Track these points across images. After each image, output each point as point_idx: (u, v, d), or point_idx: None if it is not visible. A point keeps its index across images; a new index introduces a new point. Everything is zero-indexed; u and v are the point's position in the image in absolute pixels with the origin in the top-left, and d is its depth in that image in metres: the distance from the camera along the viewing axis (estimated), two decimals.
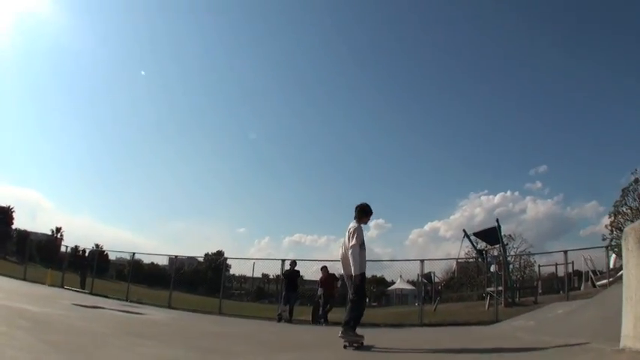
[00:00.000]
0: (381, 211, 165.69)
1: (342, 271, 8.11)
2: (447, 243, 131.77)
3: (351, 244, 7.60)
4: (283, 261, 18.45)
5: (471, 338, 9.01)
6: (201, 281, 51.07)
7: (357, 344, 7.02)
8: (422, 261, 17.79)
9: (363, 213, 8.10)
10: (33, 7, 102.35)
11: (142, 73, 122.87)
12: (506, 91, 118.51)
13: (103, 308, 13.18)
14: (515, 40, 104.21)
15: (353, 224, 7.89)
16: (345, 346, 6.97)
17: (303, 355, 6.42)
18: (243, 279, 76.18)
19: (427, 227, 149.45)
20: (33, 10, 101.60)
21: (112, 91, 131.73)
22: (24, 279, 22.34)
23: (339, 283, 17.01)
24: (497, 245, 23.90)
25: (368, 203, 8.15)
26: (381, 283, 54.88)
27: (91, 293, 21.94)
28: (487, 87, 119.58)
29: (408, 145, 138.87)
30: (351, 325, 7.12)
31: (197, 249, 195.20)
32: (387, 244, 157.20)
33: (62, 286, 23.29)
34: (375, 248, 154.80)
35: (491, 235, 24.22)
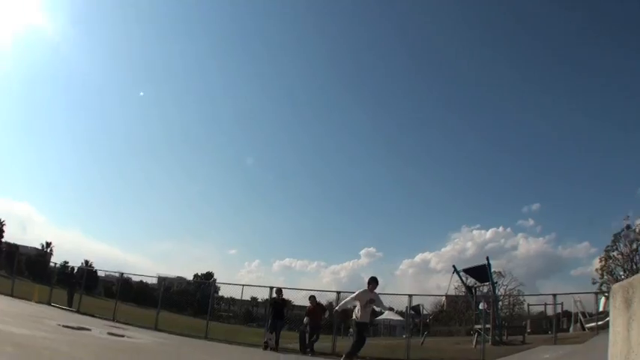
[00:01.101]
0: (373, 239, 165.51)
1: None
2: (437, 275, 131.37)
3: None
4: (271, 288, 18.41)
5: None
6: (189, 302, 50.58)
7: None
8: (410, 296, 17.99)
9: (370, 281, 11.09)
10: (28, 21, 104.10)
11: (141, 94, 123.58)
12: (503, 130, 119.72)
13: (89, 330, 13.07)
14: (513, 82, 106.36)
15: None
16: None
17: None
18: (232, 301, 75.79)
19: (418, 258, 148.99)
20: (29, 24, 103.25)
21: (106, 109, 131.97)
22: (11, 294, 22.07)
23: (327, 314, 16.94)
24: (487, 283, 24.13)
25: (375, 276, 11.22)
26: (370, 313, 53.84)
27: (78, 311, 21.65)
28: (484, 124, 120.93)
29: (402, 176, 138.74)
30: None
31: (186, 269, 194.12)
32: (378, 273, 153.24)
33: (49, 303, 23.06)
34: (365, 277, 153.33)
35: (481, 272, 24.36)
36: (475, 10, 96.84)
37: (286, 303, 17.55)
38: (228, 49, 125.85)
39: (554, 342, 16.31)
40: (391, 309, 36.80)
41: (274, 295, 17.80)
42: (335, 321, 18.90)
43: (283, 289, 18.16)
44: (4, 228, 79.39)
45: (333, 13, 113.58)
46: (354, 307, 11.09)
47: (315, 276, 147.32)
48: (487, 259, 24.75)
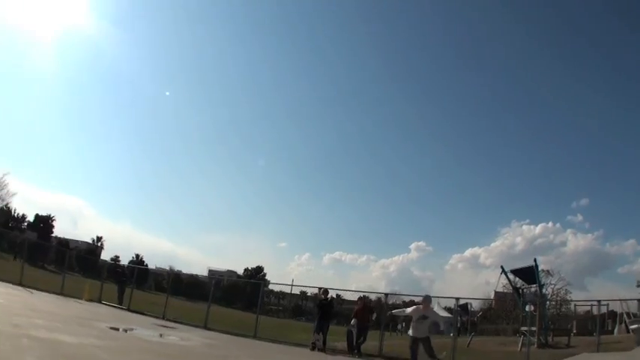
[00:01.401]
0: (423, 234, 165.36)
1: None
2: (486, 270, 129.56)
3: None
4: (320, 289, 18.38)
5: None
6: (239, 296, 51.35)
7: None
8: (457, 299, 18.59)
9: (422, 300, 12.30)
10: (76, 22, 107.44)
11: (167, 93, 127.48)
12: (554, 126, 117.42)
13: (137, 332, 13.27)
14: (564, 79, 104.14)
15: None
16: None
17: None
18: (281, 295, 76.92)
19: (467, 253, 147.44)
20: (76, 24, 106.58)
21: (155, 103, 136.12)
22: (61, 293, 22.54)
23: (374, 316, 17.46)
24: (535, 285, 23.88)
25: (429, 295, 12.63)
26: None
27: (128, 309, 22.16)
28: (536, 121, 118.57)
29: (452, 171, 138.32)
30: None
31: (237, 262, 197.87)
32: (427, 268, 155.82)
33: (100, 301, 23.65)
34: (415, 271, 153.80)
35: (528, 273, 24.12)
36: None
37: (332, 303, 17.44)
38: (272, 41, 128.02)
39: (597, 348, 16.05)
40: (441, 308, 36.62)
41: (321, 295, 17.81)
42: (382, 320, 18.84)
43: (330, 289, 18.19)
44: (55, 223, 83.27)
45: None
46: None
47: (364, 270, 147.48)
48: (535, 260, 24.44)
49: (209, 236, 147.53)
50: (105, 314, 17.45)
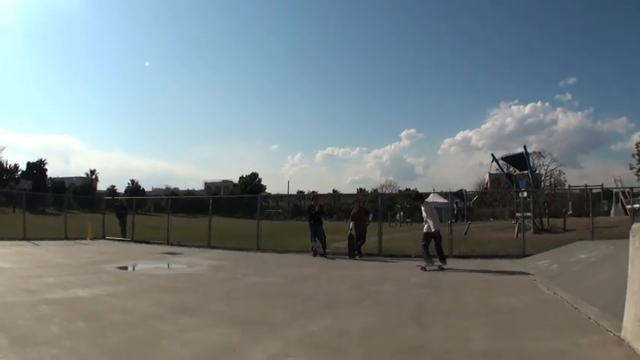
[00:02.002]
0: (412, 121, 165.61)
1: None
2: (479, 152, 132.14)
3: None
4: (310, 196, 18.84)
5: (489, 285, 9.97)
6: (238, 205, 52.32)
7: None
8: (452, 194, 19.10)
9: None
10: None
11: (146, 64, 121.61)
12: (537, 4, 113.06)
13: (145, 265, 14.14)
14: None
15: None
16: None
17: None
18: (279, 197, 78.50)
19: (459, 136, 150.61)
20: None
21: (123, 25, 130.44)
22: (65, 237, 23.18)
23: (371, 217, 18.05)
24: (526, 171, 24.52)
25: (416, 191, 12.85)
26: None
27: (132, 240, 23.06)
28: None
29: (434, 56, 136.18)
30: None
31: (231, 171, 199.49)
32: (420, 154, 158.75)
33: (104, 236, 24.45)
34: (408, 158, 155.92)
35: (519, 160, 24.83)
36: None
37: (322, 210, 17.82)
38: None
39: (591, 235, 16.56)
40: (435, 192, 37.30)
41: (310, 202, 18.46)
42: (379, 218, 19.50)
43: (321, 195, 18.71)
44: (47, 167, 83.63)
45: None
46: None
47: (358, 162, 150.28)
48: (524, 147, 25.22)
49: (200, 150, 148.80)
50: (111, 252, 18.03)
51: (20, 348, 4.94)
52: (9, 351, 4.85)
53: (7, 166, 77.43)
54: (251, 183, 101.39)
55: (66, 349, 4.96)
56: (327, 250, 17.15)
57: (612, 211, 28.95)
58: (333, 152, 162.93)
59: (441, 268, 12.42)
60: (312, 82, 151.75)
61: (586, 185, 29.72)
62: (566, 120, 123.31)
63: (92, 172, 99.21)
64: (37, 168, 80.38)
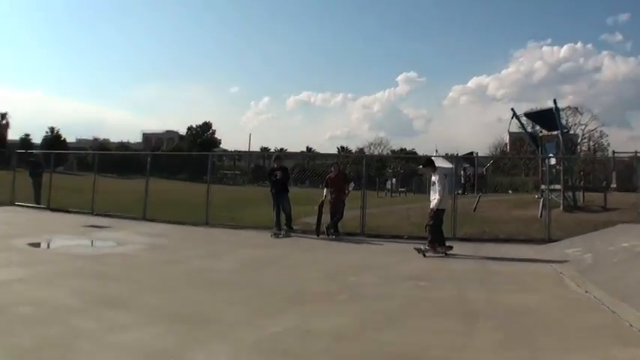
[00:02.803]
0: (412, 63, 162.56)
1: None
2: (497, 104, 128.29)
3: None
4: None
5: (501, 278, 9.94)
6: (184, 164, 51.74)
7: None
8: (459, 157, 18.27)
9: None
10: None
11: None
12: None
13: (63, 241, 13.96)
14: None
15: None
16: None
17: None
18: (237, 156, 78.17)
19: (471, 83, 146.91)
20: None
21: None
22: None
23: (352, 186, 17.15)
24: (556, 132, 23.49)
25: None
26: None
27: (48, 207, 22.55)
28: None
29: None
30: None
31: (178, 120, 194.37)
32: (420, 104, 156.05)
33: (13, 203, 23.91)
34: (405, 109, 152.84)
35: (547, 118, 23.88)
36: None
37: (288, 173, 17.60)
38: None
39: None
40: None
41: (273, 164, 17.81)
42: (363, 185, 18.87)
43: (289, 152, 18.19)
44: None
45: None
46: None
47: (340, 112, 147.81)
48: (554, 101, 24.21)
49: (140, 90, 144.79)
50: (22, 223, 17.84)
51: None
52: None
53: None
54: (202, 136, 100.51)
55: None
56: (293, 227, 16.81)
57: None
58: (310, 98, 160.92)
59: (445, 254, 12.42)
60: (284, 10, 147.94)
61: (636, 152, 29.43)
62: (614, 67, 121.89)
63: (2, 115, 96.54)
64: None
